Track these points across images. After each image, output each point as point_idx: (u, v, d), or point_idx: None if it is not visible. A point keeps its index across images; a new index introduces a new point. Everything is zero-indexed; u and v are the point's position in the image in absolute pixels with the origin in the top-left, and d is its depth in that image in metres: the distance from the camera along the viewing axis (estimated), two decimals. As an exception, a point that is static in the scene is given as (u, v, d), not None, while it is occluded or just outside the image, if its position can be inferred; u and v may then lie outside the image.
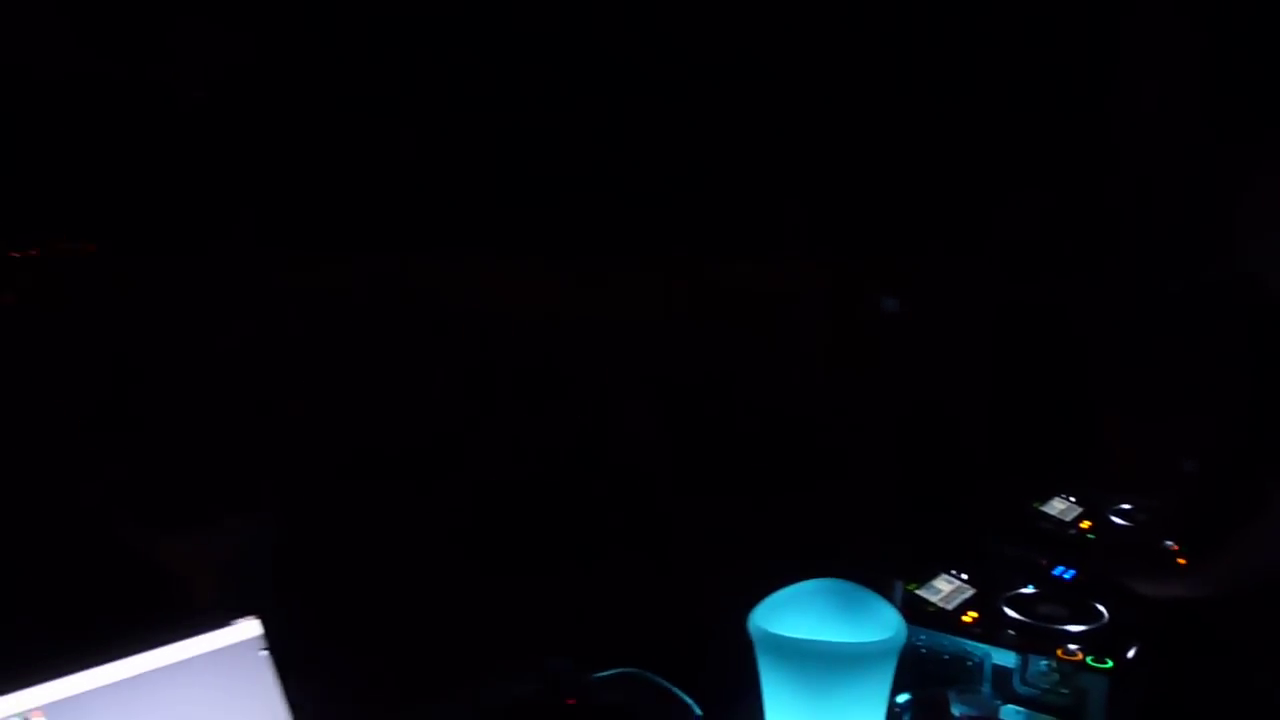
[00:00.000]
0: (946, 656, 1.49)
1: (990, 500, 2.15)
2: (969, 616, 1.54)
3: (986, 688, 1.45)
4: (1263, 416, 1.99)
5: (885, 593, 1.32)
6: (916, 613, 1.53)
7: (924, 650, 1.50)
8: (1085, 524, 2.00)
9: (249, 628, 1.16)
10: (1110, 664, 1.38)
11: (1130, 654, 1.43)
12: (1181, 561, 1.80)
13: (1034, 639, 1.46)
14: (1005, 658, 1.45)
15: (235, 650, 1.15)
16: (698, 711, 1.42)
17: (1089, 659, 1.39)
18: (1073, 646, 1.41)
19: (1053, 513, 2.03)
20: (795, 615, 1.26)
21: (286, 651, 1.15)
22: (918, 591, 1.60)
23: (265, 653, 1.16)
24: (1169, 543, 1.86)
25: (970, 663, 1.47)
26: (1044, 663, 1.41)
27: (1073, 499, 2.09)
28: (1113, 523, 2.02)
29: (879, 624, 1.24)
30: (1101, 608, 1.55)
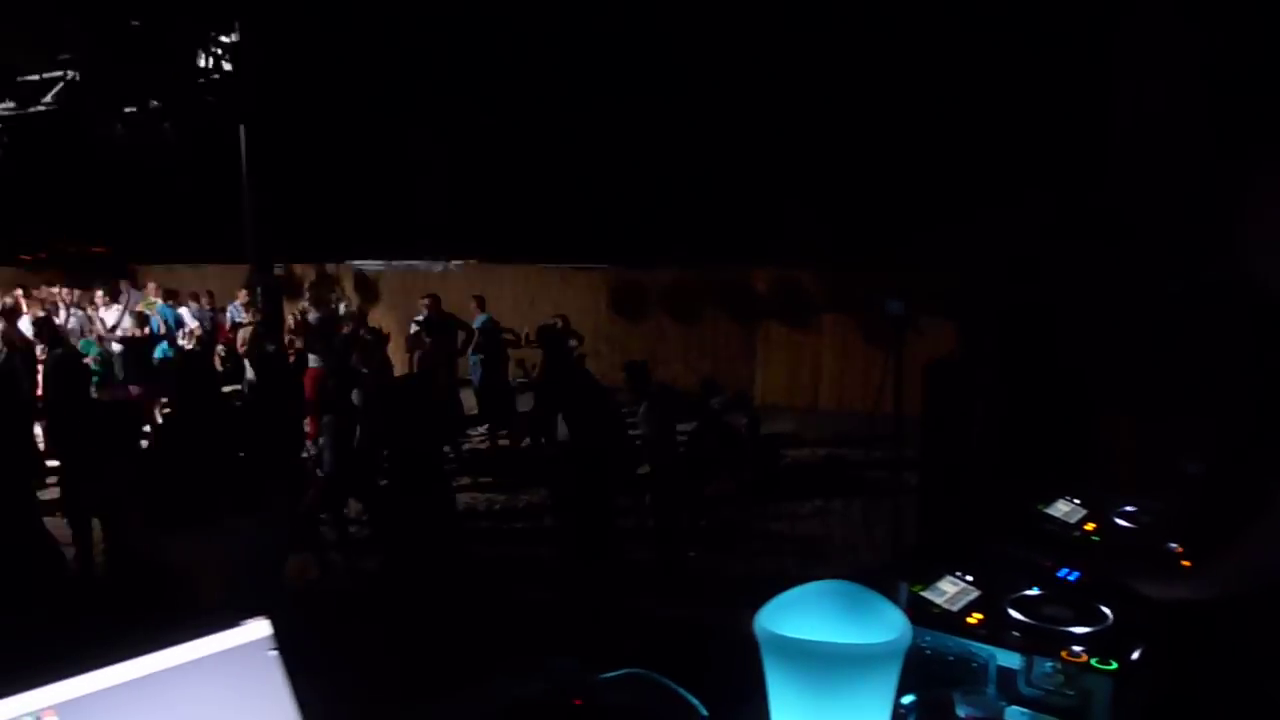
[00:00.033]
0: (951, 658, 1.49)
1: (995, 502, 2.15)
2: (974, 618, 1.54)
3: (991, 689, 1.46)
4: (1264, 417, 1.99)
5: (890, 594, 1.33)
6: (922, 614, 1.53)
7: (929, 651, 1.50)
8: (1090, 526, 2.00)
9: (259, 628, 1.17)
10: (1115, 665, 1.38)
11: (1135, 655, 1.44)
12: (1185, 563, 1.80)
13: (1039, 640, 1.46)
14: (1010, 659, 1.45)
15: (245, 650, 1.16)
16: (704, 712, 1.42)
17: (1094, 660, 1.39)
18: (1077, 648, 1.42)
19: (1057, 515, 2.03)
20: (801, 616, 1.27)
21: (295, 652, 1.16)
22: (923, 593, 1.60)
23: (274, 653, 1.17)
24: (1173, 544, 1.86)
25: (975, 664, 1.47)
26: (1049, 664, 1.41)
27: (1077, 501, 2.09)
28: (1117, 524, 2.02)
29: (884, 625, 1.25)
30: (1106, 609, 1.55)
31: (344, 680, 1.31)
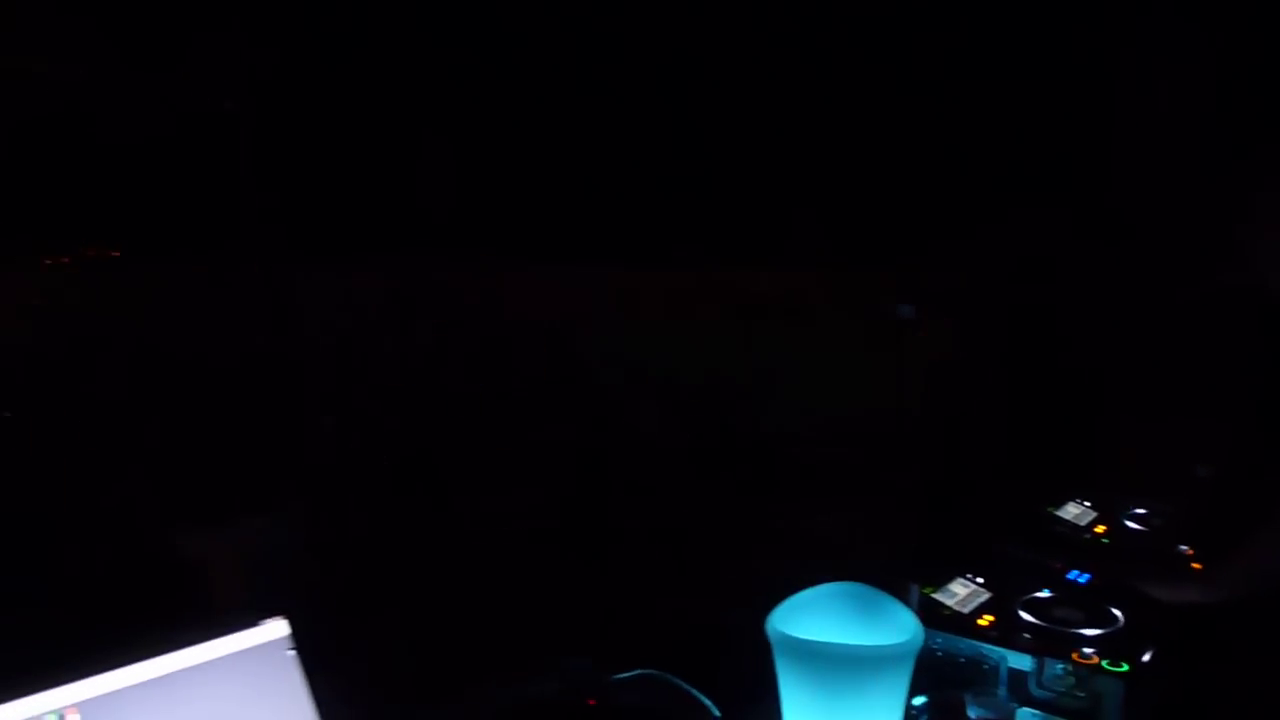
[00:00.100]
0: (962, 659, 1.50)
1: (1005, 505, 2.15)
2: (985, 620, 1.55)
3: (1002, 691, 1.46)
4: (1275, 420, 1.99)
5: (901, 596, 1.34)
6: (932, 616, 1.54)
7: (940, 653, 1.51)
8: (1100, 528, 2.00)
9: (277, 628, 1.19)
10: (1126, 667, 1.39)
11: (1146, 658, 1.44)
12: (1196, 566, 1.80)
13: (1049, 642, 1.47)
14: (1021, 661, 1.46)
15: (263, 650, 1.17)
16: (716, 713, 1.44)
17: (1104, 662, 1.40)
18: (1088, 650, 1.42)
19: (1067, 517, 2.04)
20: (813, 618, 1.28)
21: (313, 651, 1.18)
22: (934, 595, 1.61)
23: (292, 652, 1.18)
24: (1183, 547, 1.87)
25: (986, 666, 1.48)
26: (1060, 666, 1.42)
27: (1087, 503, 2.10)
28: (1127, 527, 2.02)
29: (896, 627, 1.26)
30: (1117, 612, 1.56)
31: (359, 679, 1.33)
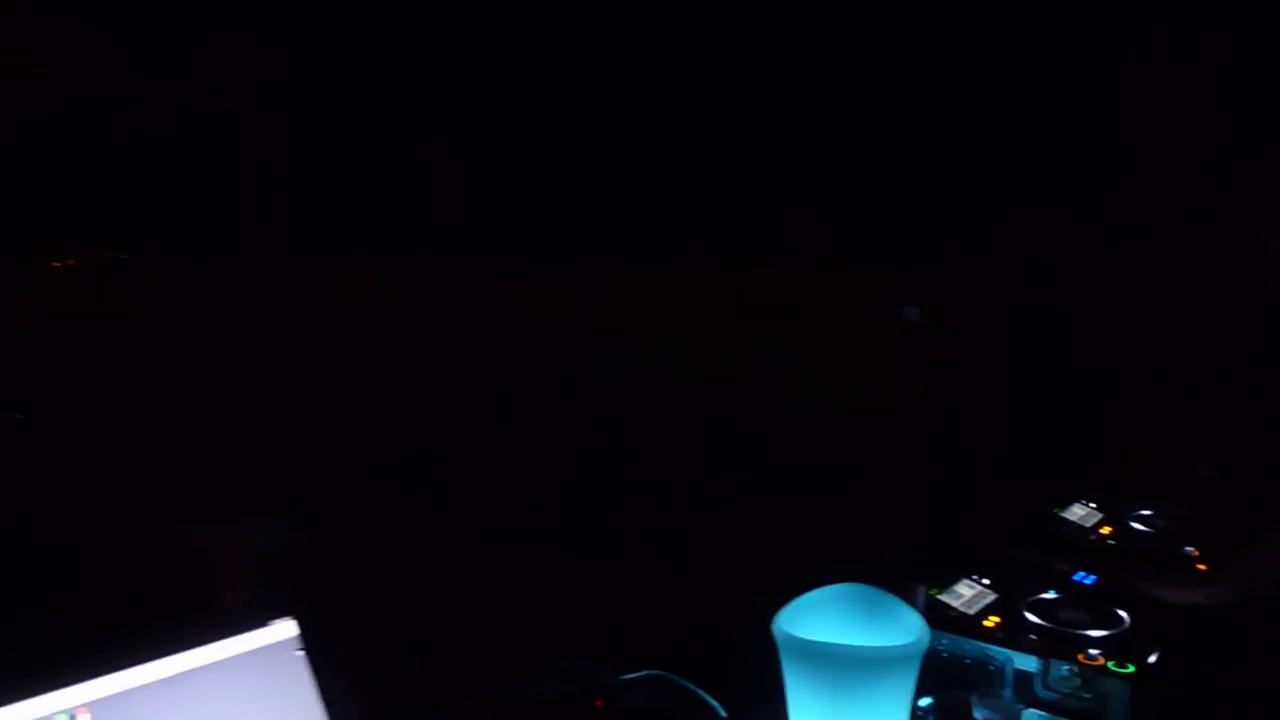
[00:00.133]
0: (968, 661, 1.50)
1: (1011, 506, 2.16)
2: (991, 621, 1.55)
3: (1008, 692, 1.47)
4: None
5: (908, 597, 1.34)
6: (938, 617, 1.54)
7: (946, 654, 1.51)
8: (1105, 530, 2.00)
9: (285, 628, 1.19)
10: (1132, 669, 1.39)
11: (1152, 659, 1.44)
12: (1201, 567, 1.81)
13: (1055, 644, 1.47)
14: (1027, 662, 1.46)
15: (272, 650, 1.18)
16: (723, 714, 1.44)
17: (1110, 664, 1.40)
18: (1094, 651, 1.42)
19: (1073, 518, 2.04)
20: (819, 619, 1.28)
21: (322, 651, 1.18)
22: (940, 596, 1.61)
23: (301, 652, 1.19)
24: (1189, 548, 1.87)
25: (992, 667, 1.48)
26: (1065, 667, 1.42)
27: (1093, 505, 2.10)
28: (1133, 528, 2.02)
29: (902, 628, 1.26)
30: (1123, 613, 1.56)
31: (370, 679, 1.33)
